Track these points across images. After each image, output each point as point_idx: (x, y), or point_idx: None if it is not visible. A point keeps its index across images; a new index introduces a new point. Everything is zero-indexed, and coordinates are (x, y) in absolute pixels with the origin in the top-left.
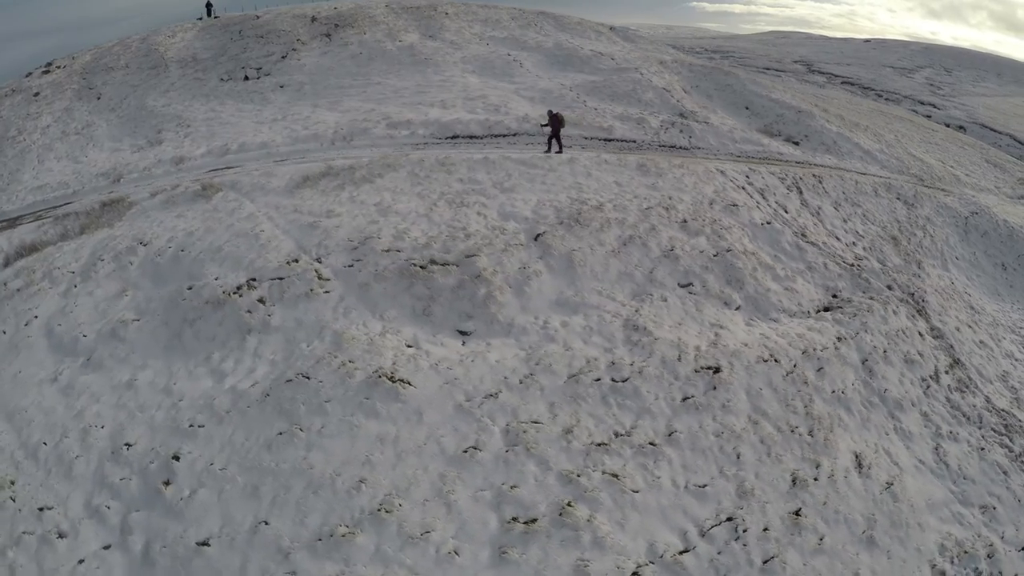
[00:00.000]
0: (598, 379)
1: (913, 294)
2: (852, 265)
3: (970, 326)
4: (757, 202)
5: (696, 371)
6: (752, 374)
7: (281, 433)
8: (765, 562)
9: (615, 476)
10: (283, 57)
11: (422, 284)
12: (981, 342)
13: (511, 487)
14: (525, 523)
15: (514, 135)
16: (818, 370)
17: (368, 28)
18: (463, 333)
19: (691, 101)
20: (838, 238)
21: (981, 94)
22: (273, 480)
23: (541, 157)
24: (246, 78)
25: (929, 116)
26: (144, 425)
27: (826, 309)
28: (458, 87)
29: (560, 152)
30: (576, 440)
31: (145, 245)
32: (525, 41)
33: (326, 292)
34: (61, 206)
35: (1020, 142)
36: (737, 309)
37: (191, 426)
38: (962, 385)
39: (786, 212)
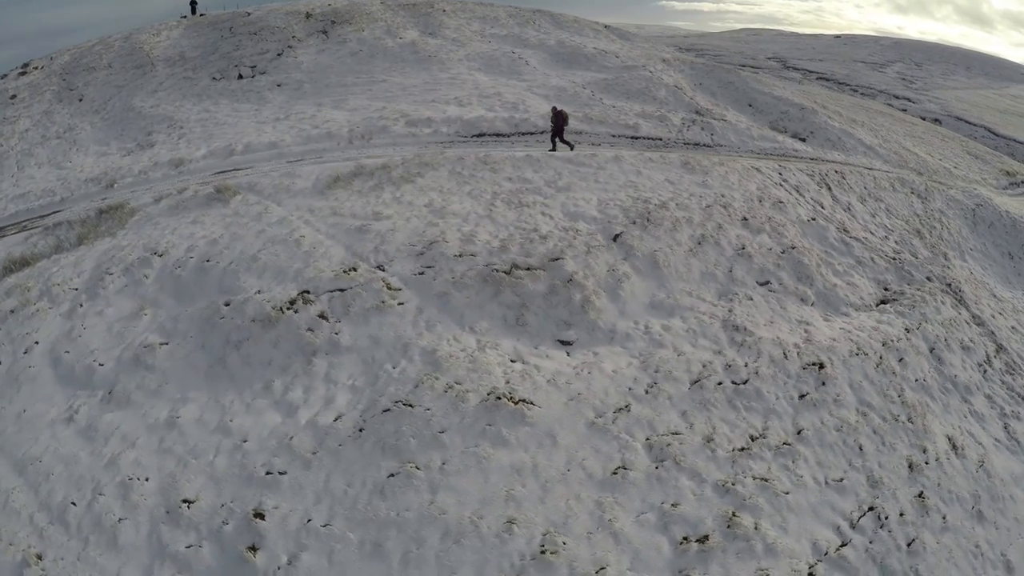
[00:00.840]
0: (720, 383)
1: (950, 284)
2: (893, 258)
3: (1000, 313)
4: (796, 199)
5: (804, 368)
6: (849, 368)
7: (394, 475)
8: (909, 544)
9: (765, 480)
10: (279, 55)
11: (510, 291)
12: (1013, 327)
13: (672, 505)
14: (698, 541)
15: (542, 133)
16: (899, 360)
17: (366, 25)
18: (564, 343)
19: (703, 99)
20: (871, 232)
21: (952, 87)
22: (399, 533)
23: (587, 155)
24: (240, 76)
25: (905, 110)
26: (203, 475)
27: (883, 302)
28: (469, 84)
29: (571, 149)
30: (719, 448)
31: (160, 256)
32: (526, 39)
33: (400, 304)
34: (49, 215)
35: (995, 134)
36: (812, 305)
37: (268, 473)
38: (1009, 368)
39: (823, 208)
